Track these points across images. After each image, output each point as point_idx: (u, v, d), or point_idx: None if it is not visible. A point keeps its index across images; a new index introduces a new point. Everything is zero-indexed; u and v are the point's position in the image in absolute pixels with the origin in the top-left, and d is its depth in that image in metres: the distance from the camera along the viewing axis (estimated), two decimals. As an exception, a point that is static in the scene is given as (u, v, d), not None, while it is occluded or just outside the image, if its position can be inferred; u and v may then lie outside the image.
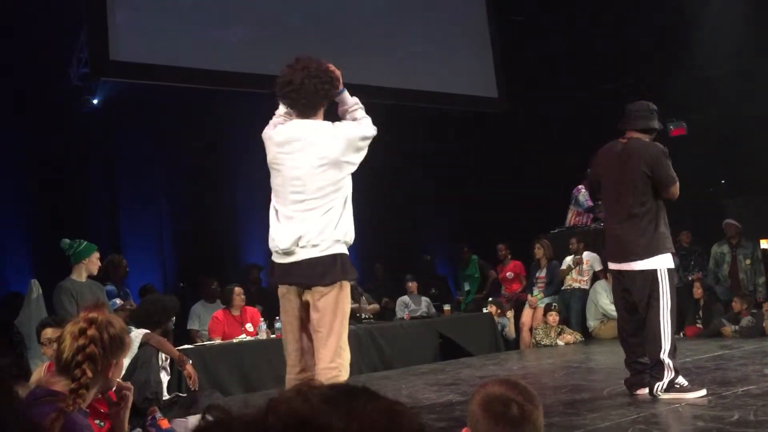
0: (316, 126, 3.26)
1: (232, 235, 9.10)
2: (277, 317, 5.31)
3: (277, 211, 3.29)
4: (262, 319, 6.83)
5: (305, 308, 3.23)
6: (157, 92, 8.76)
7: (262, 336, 6.58)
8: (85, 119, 8.79)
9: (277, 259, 3.28)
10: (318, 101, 3.26)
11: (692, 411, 3.81)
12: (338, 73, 3.33)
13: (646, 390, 4.32)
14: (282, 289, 3.30)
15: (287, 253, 3.19)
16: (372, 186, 10.56)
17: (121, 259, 6.85)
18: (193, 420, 4.46)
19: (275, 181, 3.32)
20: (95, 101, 8.79)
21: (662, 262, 4.31)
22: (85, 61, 8.23)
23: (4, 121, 8.23)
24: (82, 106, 8.71)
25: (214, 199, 9.11)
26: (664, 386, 4.14)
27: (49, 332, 4.14)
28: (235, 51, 8.56)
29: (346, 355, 3.20)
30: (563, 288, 8.77)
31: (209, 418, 0.93)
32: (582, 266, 8.73)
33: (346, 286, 3.22)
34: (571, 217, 9.78)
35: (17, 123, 8.33)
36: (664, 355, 4.16)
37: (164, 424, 4.31)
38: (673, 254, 4.42)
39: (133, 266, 7.87)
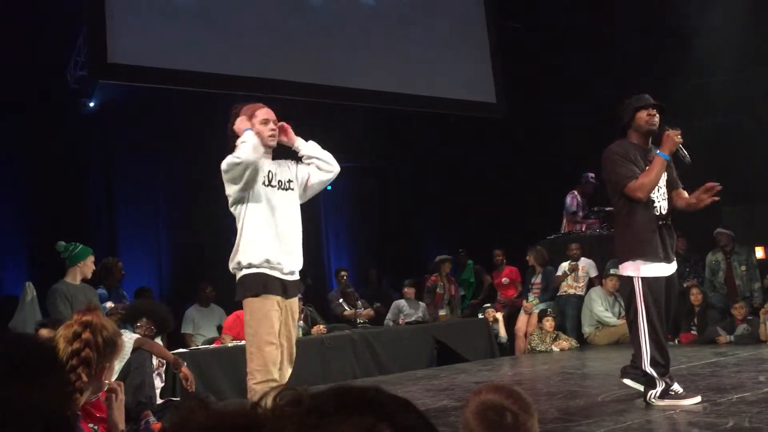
0: None
1: (228, 241, 9.07)
2: None
3: None
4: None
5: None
6: (155, 95, 8.74)
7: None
8: (83, 122, 8.77)
9: None
10: (229, 137, 3.61)
11: (687, 418, 3.80)
12: (239, 108, 3.76)
13: (630, 381, 4.40)
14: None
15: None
16: (368, 191, 10.59)
17: (116, 263, 6.82)
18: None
19: None
20: (93, 104, 8.77)
21: (637, 269, 4.15)
22: (83, 64, 8.22)
23: (2, 124, 8.21)
24: (79, 109, 8.69)
25: (211, 204, 9.07)
26: (658, 394, 4.14)
27: (44, 333, 4.13)
28: (234, 54, 8.55)
29: (259, 360, 3.63)
30: (558, 294, 8.77)
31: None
32: (577, 272, 8.74)
33: (249, 302, 3.56)
34: (566, 224, 9.80)
35: (15, 125, 8.30)
36: (647, 366, 4.15)
37: (158, 428, 4.28)
38: (657, 260, 4.15)
39: (130, 269, 7.84)
